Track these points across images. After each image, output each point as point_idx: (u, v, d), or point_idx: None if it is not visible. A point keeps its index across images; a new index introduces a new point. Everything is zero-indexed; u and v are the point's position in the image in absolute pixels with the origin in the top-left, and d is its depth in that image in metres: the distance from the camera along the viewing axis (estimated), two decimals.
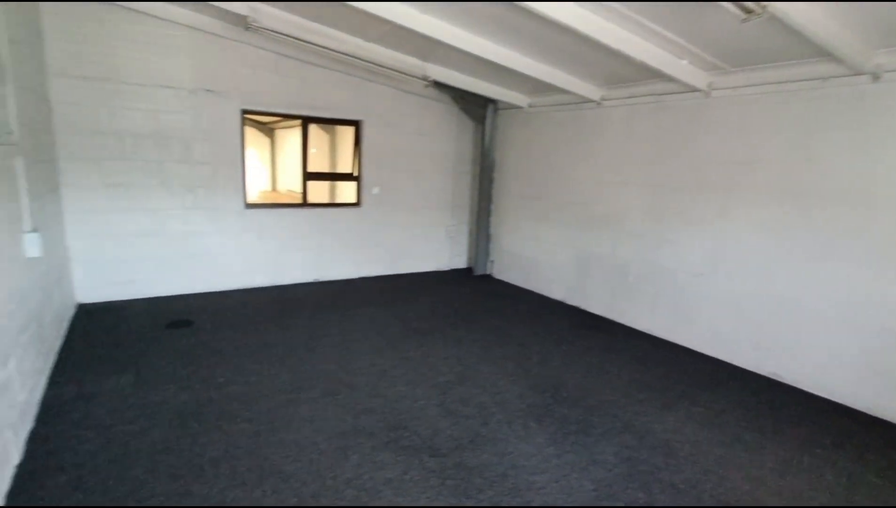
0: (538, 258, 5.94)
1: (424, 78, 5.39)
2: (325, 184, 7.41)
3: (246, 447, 2.44)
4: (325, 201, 6.96)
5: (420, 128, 6.29)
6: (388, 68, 5.17)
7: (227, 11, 4.26)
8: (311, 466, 2.32)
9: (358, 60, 4.98)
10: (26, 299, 2.78)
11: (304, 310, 4.74)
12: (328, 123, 5.93)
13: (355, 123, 5.90)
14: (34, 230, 3.02)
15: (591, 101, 4.99)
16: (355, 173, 6.07)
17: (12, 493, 2.05)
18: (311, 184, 5.82)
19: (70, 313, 4.29)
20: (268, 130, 12.45)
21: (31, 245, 2.97)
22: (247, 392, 3.01)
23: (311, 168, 5.78)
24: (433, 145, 6.46)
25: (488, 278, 6.59)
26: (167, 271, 4.95)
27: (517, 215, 6.26)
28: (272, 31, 4.43)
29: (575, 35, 3.33)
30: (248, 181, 5.30)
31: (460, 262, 7.10)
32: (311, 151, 5.77)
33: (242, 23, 4.37)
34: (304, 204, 5.78)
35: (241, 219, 5.27)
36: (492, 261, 6.72)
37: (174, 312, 4.47)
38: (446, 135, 6.54)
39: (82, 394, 2.90)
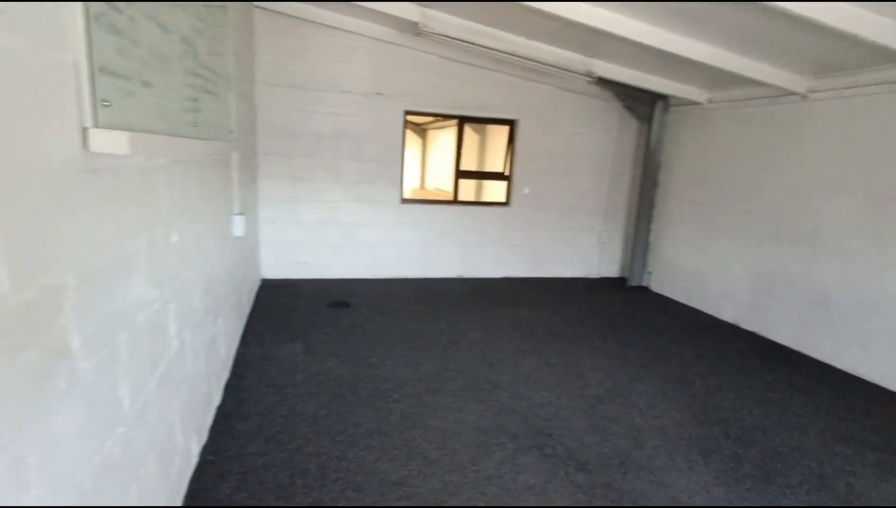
0: (706, 273, 5.30)
1: (588, 75, 5.19)
2: (471, 183, 7.63)
3: (396, 426, 2.60)
4: (472, 199, 7.17)
5: (576, 127, 6.09)
6: (549, 66, 5.10)
7: (400, 19, 4.63)
8: (454, 456, 2.37)
9: (518, 59, 5.01)
10: (232, 270, 3.36)
11: (449, 304, 4.92)
12: (483, 122, 6.08)
13: (510, 123, 5.95)
14: (241, 213, 3.64)
15: (793, 93, 4.27)
16: (506, 173, 6.12)
17: (214, 428, 2.49)
18: (460, 182, 6.04)
19: (257, 285, 5.09)
20: (420, 131, 13.30)
21: (238, 226, 3.59)
22: (396, 375, 3.22)
23: (464, 167, 5.99)
24: (589, 145, 6.20)
25: (644, 291, 6.09)
26: (333, 256, 5.58)
27: (683, 224, 5.67)
28: (441, 35, 4.69)
29: (775, 15, 2.88)
30: (409, 178, 5.71)
31: (611, 270, 6.70)
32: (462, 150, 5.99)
33: (413, 30, 4.71)
34: (455, 201, 6.02)
35: (397, 213, 5.70)
36: (649, 272, 6.20)
37: (336, 293, 5.02)
38: (605, 134, 6.22)
39: (264, 355, 3.40)
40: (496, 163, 6.81)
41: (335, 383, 3.05)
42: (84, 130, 1.16)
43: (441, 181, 11.82)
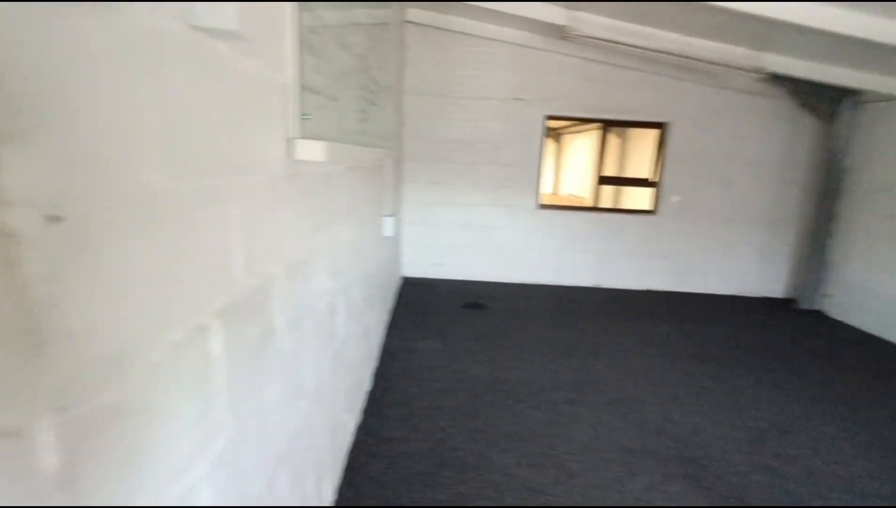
0: None
1: (756, 71, 4.58)
2: (608, 189, 7.22)
3: (534, 432, 2.55)
4: (611, 206, 6.79)
5: (738, 130, 5.41)
6: (709, 63, 4.61)
7: (545, 24, 4.57)
8: (596, 472, 2.25)
9: (672, 58, 4.61)
10: (381, 267, 3.63)
11: (584, 313, 4.71)
12: (629, 126, 5.72)
13: (660, 126, 5.51)
14: (390, 215, 3.91)
15: None
16: (653, 179, 5.68)
17: (366, 411, 2.69)
18: (600, 189, 5.75)
19: (398, 282, 5.43)
20: (555, 135, 13.01)
21: (388, 226, 3.86)
22: (532, 381, 3.16)
23: (605, 173, 5.70)
24: (752, 149, 5.46)
25: (818, 316, 5.17)
26: (468, 258, 5.72)
27: (877, 241, 4.69)
28: (588, 37, 4.53)
29: None
30: (545, 183, 5.62)
31: (775, 289, 5.81)
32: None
33: (557, 33, 4.62)
34: (594, 208, 5.76)
35: (533, 218, 5.63)
36: (826, 295, 5.25)
37: (470, 295, 5.12)
38: (771, 137, 5.43)
39: (407, 348, 3.60)
40: (639, 168, 6.36)
41: (472, 382, 3.11)
42: (289, 141, 1.32)
43: (575, 187, 11.44)
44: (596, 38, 4.52)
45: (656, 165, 5.63)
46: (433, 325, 4.14)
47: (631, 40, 4.50)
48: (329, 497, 1.97)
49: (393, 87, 4.07)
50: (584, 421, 2.70)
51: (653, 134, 5.64)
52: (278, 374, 1.29)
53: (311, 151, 1.37)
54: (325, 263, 1.79)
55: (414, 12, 5.07)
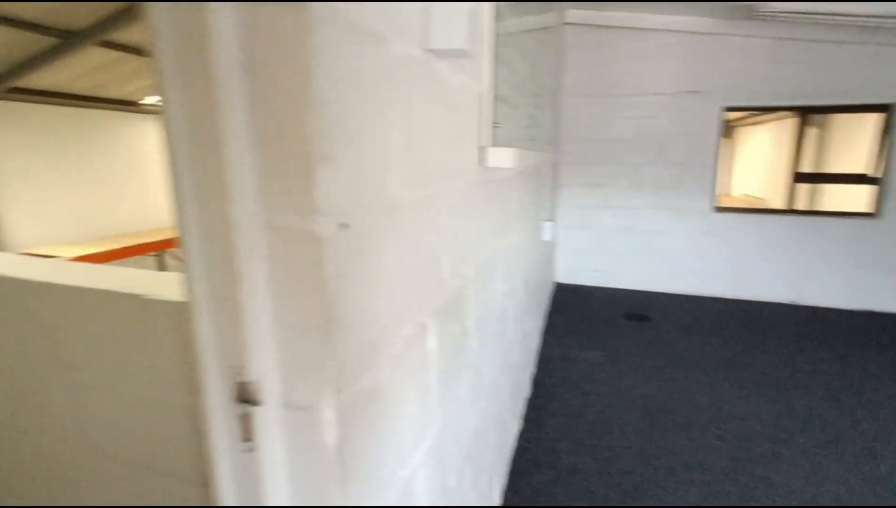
0: None
1: None
2: (803, 187, 6.08)
3: (722, 467, 2.25)
4: (806, 207, 5.71)
5: None
6: None
7: (727, 5, 4.05)
8: None
9: None
10: (538, 272, 3.58)
11: (777, 334, 4.03)
12: (836, 111, 4.76)
13: (885, 109, 4.47)
14: (549, 219, 3.85)
15: None
16: (872, 174, 4.63)
17: (527, 417, 2.68)
18: (796, 187, 4.87)
19: (551, 288, 5.32)
20: (727, 129, 11.48)
21: (547, 231, 3.81)
22: (715, 407, 2.80)
23: (802, 168, 4.83)
24: None
25: None
26: (628, 265, 5.34)
27: None
28: (783, 12, 3.89)
29: None
30: (719, 183, 4.98)
31: None
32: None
33: (741, 13, 4.06)
34: (789, 211, 4.91)
35: (706, 222, 5.03)
36: None
37: (632, 304, 4.77)
38: None
39: (565, 357, 3.49)
40: (847, 162, 5.26)
41: (643, 400, 2.87)
42: (482, 149, 1.37)
43: (753, 187, 9.93)
44: (792, 12, 3.86)
45: (879, 156, 4.57)
46: (592, 334, 3.95)
47: (842, 9, 3.73)
48: (497, 498, 1.99)
49: (553, 90, 4.01)
50: (789, 463, 2.29)
51: (871, 119, 4.60)
52: (468, 373, 1.34)
53: (502, 157, 1.40)
54: (501, 266, 1.82)
55: (573, 13, 4.94)
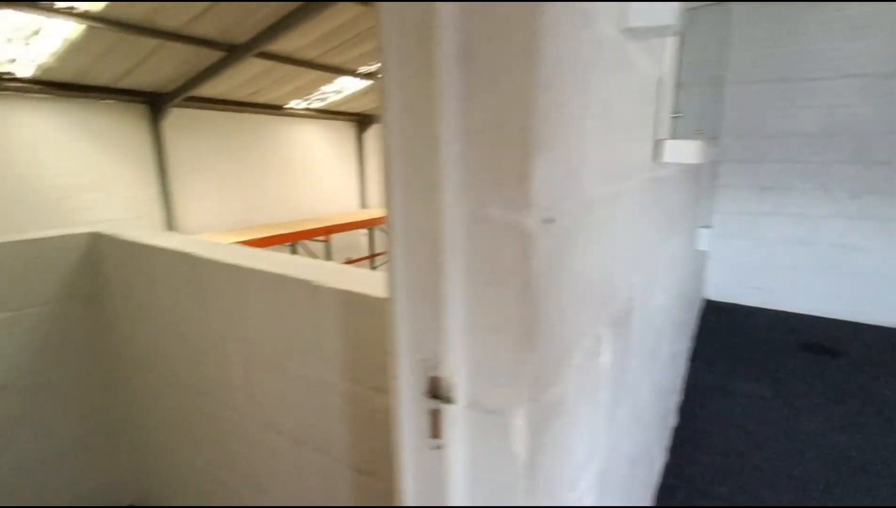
0: None
1: None
2: None
3: None
4: None
5: None
6: None
7: None
8: None
9: None
10: (689, 285, 3.28)
11: None
12: None
13: None
14: (707, 226, 3.51)
15: None
16: None
17: (674, 448, 2.46)
18: None
19: (699, 305, 4.84)
20: None
21: (703, 239, 3.47)
22: None
23: None
24: None
25: None
26: (806, 286, 4.64)
27: None
28: None
29: None
30: None
31: None
32: None
33: None
34: None
35: None
36: None
37: (810, 334, 4.14)
38: None
39: (720, 388, 3.14)
40: None
41: (830, 452, 2.47)
42: (657, 142, 1.27)
43: None
44: None
45: None
46: (755, 364, 3.51)
47: None
48: None
49: (716, 75, 3.64)
50: None
51: None
52: (628, 395, 1.26)
53: (682, 152, 1.29)
54: (662, 277, 1.69)
55: None
